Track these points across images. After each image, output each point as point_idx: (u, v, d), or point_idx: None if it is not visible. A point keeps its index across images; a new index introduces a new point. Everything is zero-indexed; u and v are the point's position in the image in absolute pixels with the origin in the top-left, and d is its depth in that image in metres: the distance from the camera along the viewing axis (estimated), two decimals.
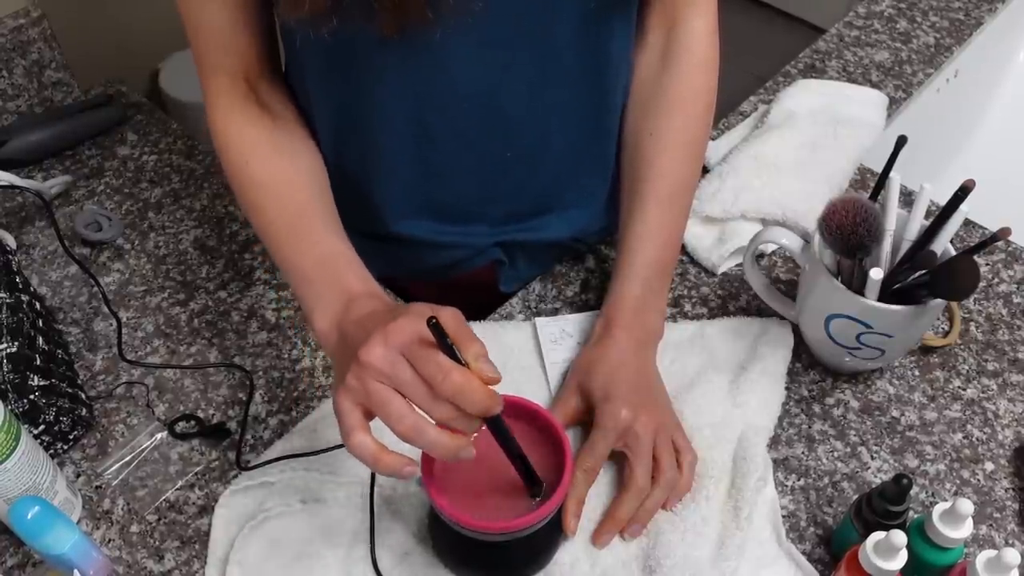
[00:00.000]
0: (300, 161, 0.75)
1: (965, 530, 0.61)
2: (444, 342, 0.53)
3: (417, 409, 0.55)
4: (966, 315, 0.87)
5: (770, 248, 0.92)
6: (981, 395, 0.81)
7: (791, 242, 0.77)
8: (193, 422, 0.80)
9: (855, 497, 0.71)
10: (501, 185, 0.82)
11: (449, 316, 0.56)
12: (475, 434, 0.61)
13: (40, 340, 0.76)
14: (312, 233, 0.70)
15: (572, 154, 0.82)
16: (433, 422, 0.55)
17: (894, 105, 1.08)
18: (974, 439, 0.78)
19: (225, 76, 0.74)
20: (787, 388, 0.80)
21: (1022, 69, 1.33)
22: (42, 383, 0.74)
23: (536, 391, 0.80)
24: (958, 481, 0.75)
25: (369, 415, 0.56)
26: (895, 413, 0.80)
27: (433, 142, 0.77)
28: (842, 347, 0.76)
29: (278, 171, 0.73)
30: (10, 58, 1.03)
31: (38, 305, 0.81)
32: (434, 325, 0.52)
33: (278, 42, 0.78)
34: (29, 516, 0.62)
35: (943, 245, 0.73)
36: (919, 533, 0.63)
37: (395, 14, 0.63)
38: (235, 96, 0.74)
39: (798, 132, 0.98)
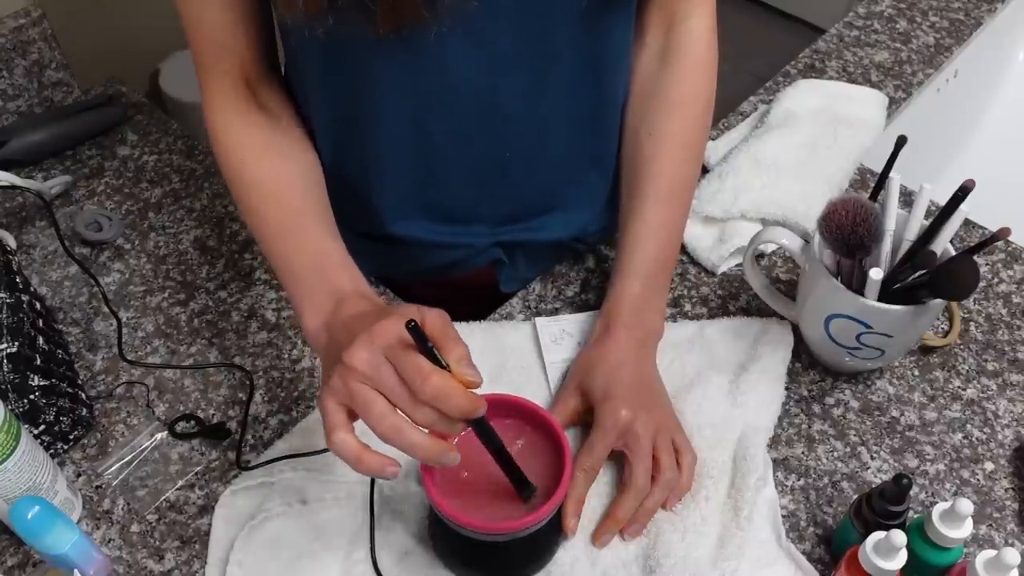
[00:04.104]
0: (295, 162, 0.75)
1: (965, 530, 0.61)
2: (424, 345, 0.53)
3: (401, 413, 0.55)
4: (966, 315, 0.87)
5: (770, 248, 0.92)
6: (981, 395, 0.81)
7: (791, 242, 0.77)
8: (193, 422, 0.80)
9: (855, 497, 0.71)
10: (500, 185, 0.82)
11: (435, 317, 0.56)
12: (458, 438, 0.62)
13: (40, 340, 0.76)
14: (305, 233, 0.70)
15: (571, 153, 0.82)
16: (415, 425, 0.55)
17: (894, 105, 1.08)
18: (974, 439, 0.78)
19: (223, 76, 0.74)
20: (787, 388, 0.80)
21: (1022, 69, 1.33)
22: (42, 383, 0.74)
23: (536, 391, 0.80)
24: (958, 481, 0.75)
25: (353, 416, 0.57)
26: (895, 413, 0.80)
27: (431, 142, 0.77)
28: (842, 347, 0.76)
29: (272, 171, 0.73)
30: (10, 58, 1.03)
31: (38, 305, 0.81)
32: (413, 328, 0.52)
33: (277, 42, 0.78)
34: (29, 516, 0.62)
35: (943, 245, 0.73)
36: (919, 533, 0.63)
37: (391, 14, 0.63)
38: (233, 96, 0.75)
39: (798, 132, 0.98)
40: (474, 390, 0.55)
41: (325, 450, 0.74)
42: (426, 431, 0.55)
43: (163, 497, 0.75)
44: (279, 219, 0.71)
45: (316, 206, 0.73)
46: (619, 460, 0.73)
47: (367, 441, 0.56)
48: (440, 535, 0.68)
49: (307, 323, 0.66)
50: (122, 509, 0.74)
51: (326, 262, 0.68)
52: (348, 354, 0.55)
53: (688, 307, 0.88)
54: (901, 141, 0.73)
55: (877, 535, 0.59)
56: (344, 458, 0.56)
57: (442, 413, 0.54)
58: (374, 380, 0.55)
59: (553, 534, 0.68)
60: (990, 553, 0.58)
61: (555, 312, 0.87)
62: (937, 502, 0.65)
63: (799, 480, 0.75)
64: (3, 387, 0.71)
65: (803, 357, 0.83)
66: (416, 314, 0.56)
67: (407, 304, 0.59)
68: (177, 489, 0.75)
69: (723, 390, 0.78)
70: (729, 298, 0.88)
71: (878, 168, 0.80)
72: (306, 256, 0.69)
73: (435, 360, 0.54)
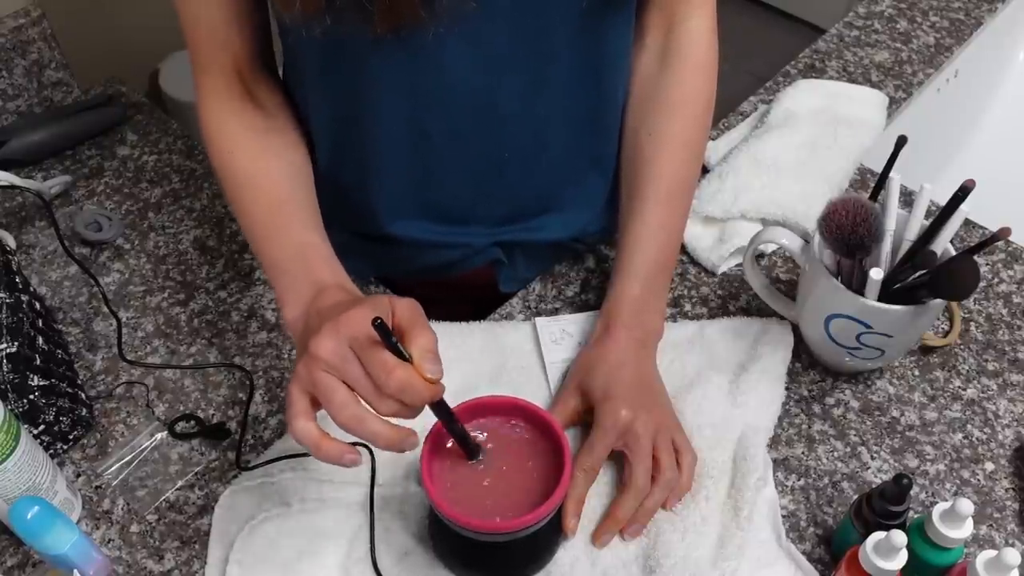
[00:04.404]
0: (284, 158, 0.76)
1: (965, 530, 0.61)
2: (389, 341, 0.54)
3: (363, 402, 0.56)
4: (966, 315, 0.86)
5: (770, 248, 0.92)
6: (981, 395, 0.81)
7: (791, 242, 0.77)
8: (193, 422, 0.80)
9: (855, 497, 0.71)
10: (497, 185, 0.82)
11: (405, 307, 0.57)
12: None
13: (40, 340, 0.76)
14: (289, 227, 0.71)
15: (570, 154, 0.82)
16: (376, 414, 0.56)
17: (894, 105, 1.07)
18: (974, 439, 0.78)
19: (219, 74, 0.75)
20: (787, 388, 0.80)
21: (1022, 69, 1.33)
22: (42, 383, 0.74)
23: (536, 391, 0.80)
24: (958, 481, 0.75)
25: (317, 404, 0.58)
26: (895, 413, 0.80)
27: (429, 142, 0.77)
28: (842, 347, 0.76)
29: (261, 166, 0.74)
30: (10, 58, 1.03)
31: (38, 305, 0.81)
32: (379, 325, 0.53)
33: (272, 43, 0.78)
34: (29, 516, 0.62)
35: (943, 245, 0.73)
36: (919, 533, 0.63)
37: (388, 14, 0.63)
38: (227, 95, 0.75)
39: (798, 132, 0.98)
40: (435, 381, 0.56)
41: None
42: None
43: (163, 497, 0.75)
44: (265, 213, 0.72)
45: (302, 201, 0.74)
46: (619, 460, 0.73)
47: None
48: (440, 535, 0.68)
49: (287, 313, 0.67)
50: (122, 509, 0.74)
51: (310, 254, 0.69)
52: (314, 343, 0.56)
53: (688, 307, 0.88)
54: (901, 141, 0.73)
55: (877, 535, 0.59)
56: (304, 445, 0.57)
57: (404, 404, 0.55)
58: (338, 370, 0.56)
59: (553, 534, 0.68)
60: (990, 553, 0.58)
61: (555, 312, 0.87)
62: (937, 502, 0.65)
63: (799, 480, 0.75)
64: (3, 387, 0.71)
65: (803, 357, 0.83)
66: (386, 305, 0.57)
67: (378, 295, 0.60)
68: (177, 489, 0.75)
69: (723, 390, 0.78)
70: (729, 298, 0.88)
71: (878, 168, 0.80)
72: (290, 248, 0.70)
73: (399, 354, 0.55)
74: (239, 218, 0.74)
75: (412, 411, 0.56)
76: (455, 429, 0.62)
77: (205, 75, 0.75)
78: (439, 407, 0.59)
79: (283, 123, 0.78)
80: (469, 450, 0.64)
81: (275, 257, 0.70)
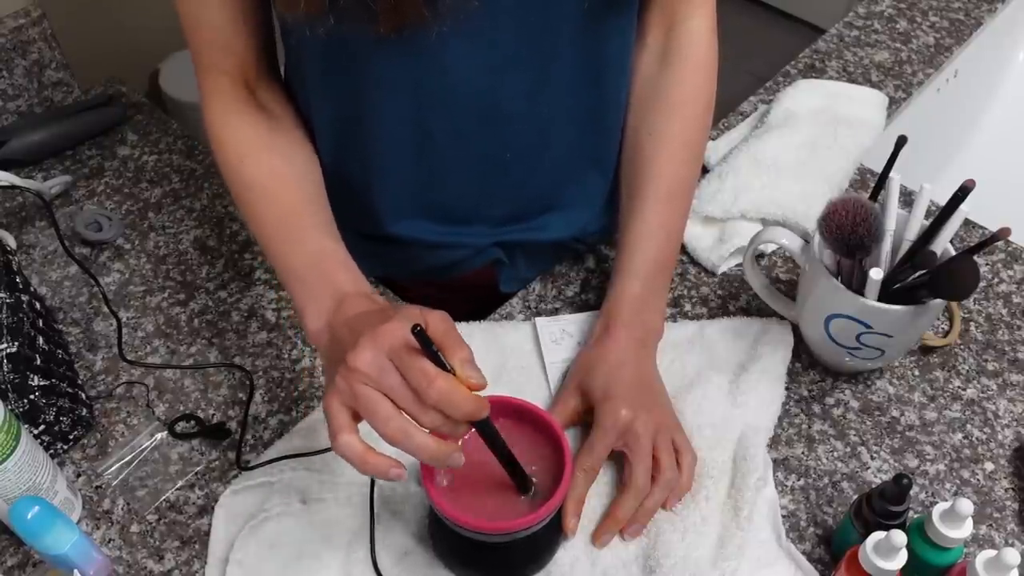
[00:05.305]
0: (294, 161, 0.75)
1: (965, 530, 0.61)
2: (429, 349, 0.53)
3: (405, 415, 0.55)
4: (966, 315, 0.87)
5: (770, 248, 0.92)
6: (981, 395, 0.81)
7: (791, 242, 0.77)
8: (193, 422, 0.80)
9: (855, 497, 0.71)
10: (500, 185, 0.82)
11: (438, 319, 0.56)
12: (464, 438, 0.62)
13: (40, 340, 0.76)
14: (304, 232, 0.70)
15: (572, 154, 0.82)
16: (420, 427, 0.55)
17: (894, 105, 1.08)
18: (974, 439, 0.78)
19: (223, 75, 0.74)
20: (787, 388, 0.80)
21: (1022, 69, 1.33)
22: (42, 383, 0.74)
23: (536, 391, 0.80)
24: (958, 481, 0.75)
25: (358, 417, 0.57)
26: (895, 413, 0.80)
27: (432, 142, 0.77)
28: (842, 347, 0.76)
29: (272, 170, 0.73)
30: (10, 58, 1.03)
31: (38, 305, 0.81)
32: (419, 332, 0.52)
33: (276, 42, 0.78)
34: (29, 516, 0.62)
35: (943, 245, 0.73)
36: (919, 533, 0.63)
37: (392, 14, 0.63)
38: (232, 95, 0.75)
39: (798, 132, 0.98)
40: (479, 392, 0.55)
41: (325, 450, 0.74)
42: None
43: (163, 497, 0.75)
44: (277, 218, 0.71)
45: (315, 205, 0.73)
46: (619, 460, 0.73)
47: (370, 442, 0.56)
48: (440, 535, 0.68)
49: (309, 324, 0.66)
50: (122, 509, 0.74)
51: (326, 261, 0.68)
52: (352, 356, 0.55)
53: (688, 307, 0.88)
54: (901, 141, 0.74)
55: (877, 535, 0.59)
56: (349, 460, 0.56)
57: (447, 416, 0.54)
58: (379, 382, 0.54)
59: (553, 534, 0.68)
60: (990, 553, 0.58)
61: (555, 312, 0.87)
62: (937, 502, 0.65)
63: (799, 480, 0.75)
64: (3, 387, 0.71)
65: (803, 357, 0.83)
66: (419, 316, 0.55)
67: (409, 305, 0.59)
68: (177, 489, 0.75)
69: (723, 390, 0.78)
70: (729, 298, 0.88)
71: (878, 168, 0.80)
72: (306, 256, 0.69)
73: (439, 363, 0.53)
74: (251, 226, 0.73)
75: (453, 425, 0.55)
76: (504, 455, 0.60)
77: (208, 76, 0.75)
78: (486, 429, 0.57)
79: (288, 123, 0.78)
80: (522, 483, 0.62)
81: (292, 266, 0.69)
